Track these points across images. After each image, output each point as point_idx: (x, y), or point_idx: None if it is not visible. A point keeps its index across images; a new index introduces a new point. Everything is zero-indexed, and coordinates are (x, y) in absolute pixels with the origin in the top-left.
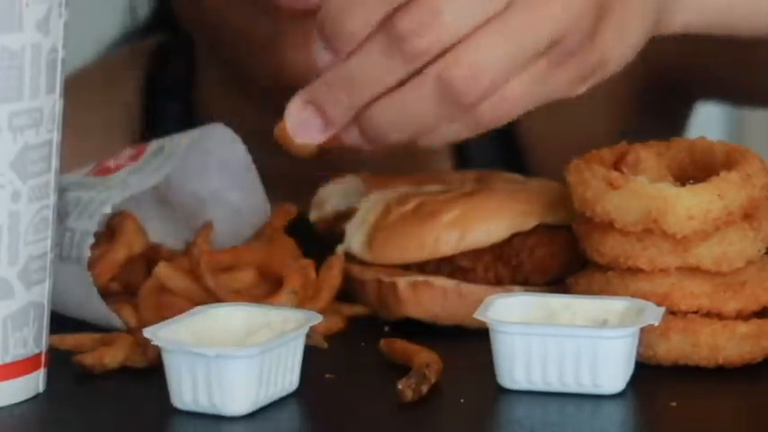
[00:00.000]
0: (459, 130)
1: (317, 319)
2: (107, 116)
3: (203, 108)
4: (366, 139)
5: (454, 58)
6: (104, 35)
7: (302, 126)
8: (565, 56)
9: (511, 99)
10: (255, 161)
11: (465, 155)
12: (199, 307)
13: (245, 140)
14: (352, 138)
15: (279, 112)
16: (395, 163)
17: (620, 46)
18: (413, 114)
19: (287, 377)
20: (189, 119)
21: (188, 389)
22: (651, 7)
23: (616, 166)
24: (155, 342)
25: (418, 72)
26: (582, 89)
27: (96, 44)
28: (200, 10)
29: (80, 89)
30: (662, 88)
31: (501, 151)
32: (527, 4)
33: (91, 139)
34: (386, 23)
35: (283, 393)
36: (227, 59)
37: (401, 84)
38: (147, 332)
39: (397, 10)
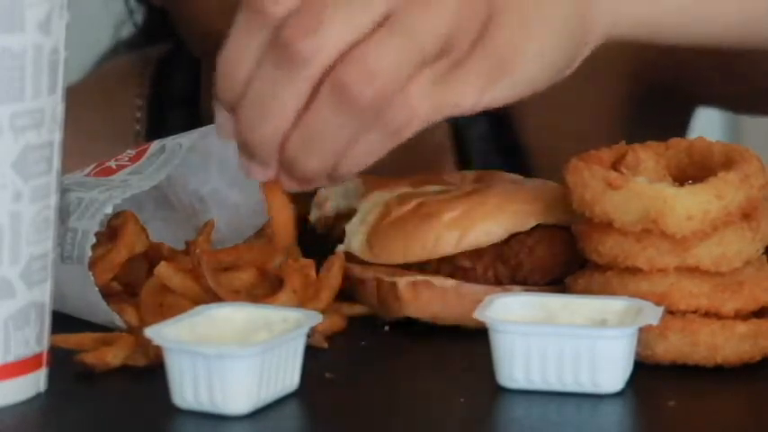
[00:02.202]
0: (375, 143)
1: (317, 318)
2: (111, 125)
3: (208, 120)
4: (294, 179)
5: (344, 64)
6: (99, 44)
7: (248, 171)
8: (459, 57)
9: (414, 103)
10: None
11: (464, 158)
12: (200, 306)
13: None
14: (286, 184)
15: None
16: (396, 165)
17: (523, 47)
18: (321, 133)
19: (287, 376)
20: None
21: (189, 388)
22: (566, 13)
23: (615, 166)
24: (156, 341)
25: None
26: (492, 97)
27: (92, 53)
28: (200, 32)
29: (84, 98)
30: (659, 95)
31: (500, 155)
32: (411, 7)
33: (95, 150)
34: (273, 41)
35: (284, 393)
36: None
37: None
38: (149, 331)
39: (279, 24)
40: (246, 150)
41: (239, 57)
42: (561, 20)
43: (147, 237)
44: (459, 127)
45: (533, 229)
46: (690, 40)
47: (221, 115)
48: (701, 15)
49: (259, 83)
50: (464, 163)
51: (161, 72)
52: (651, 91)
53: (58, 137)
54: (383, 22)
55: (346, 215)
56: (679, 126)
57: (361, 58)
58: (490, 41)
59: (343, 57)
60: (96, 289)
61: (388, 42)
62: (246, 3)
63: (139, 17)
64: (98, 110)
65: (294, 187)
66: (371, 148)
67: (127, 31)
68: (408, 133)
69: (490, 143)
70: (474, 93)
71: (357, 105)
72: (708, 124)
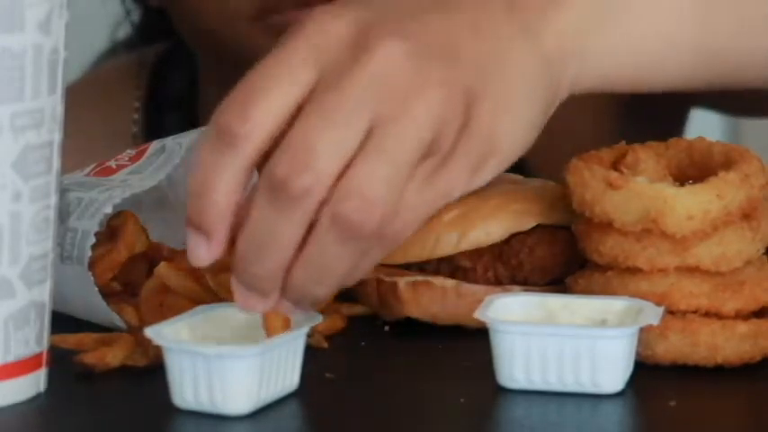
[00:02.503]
0: (377, 256)
1: (317, 318)
2: (108, 126)
3: (206, 120)
4: (301, 306)
5: (340, 194)
6: (95, 45)
7: (246, 302)
8: (445, 152)
9: (408, 211)
10: None
11: None
12: (200, 307)
13: None
14: (287, 309)
15: None
16: None
17: (506, 126)
18: (327, 264)
19: (287, 377)
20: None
21: (189, 388)
22: (537, 77)
23: (615, 166)
24: (156, 341)
25: (313, 222)
26: (482, 179)
27: (88, 54)
28: (196, 29)
29: (82, 98)
30: (649, 105)
31: None
32: (390, 117)
33: (92, 150)
34: (264, 177)
35: (284, 393)
36: (230, 79)
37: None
38: (149, 331)
39: (270, 161)
40: (245, 282)
41: (213, 180)
42: (536, 89)
43: (147, 237)
44: None
45: (533, 229)
46: (655, 87)
47: (194, 240)
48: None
49: (254, 221)
50: None
51: (157, 72)
52: (645, 97)
53: (57, 137)
54: (367, 138)
55: None
56: (675, 125)
57: (357, 187)
58: (474, 131)
59: (338, 186)
60: (96, 289)
61: (377, 163)
62: (213, 121)
63: (136, 17)
64: (95, 110)
65: (297, 313)
66: (374, 261)
67: (124, 31)
68: (407, 236)
69: None
70: (464, 180)
71: (361, 235)
72: (708, 124)
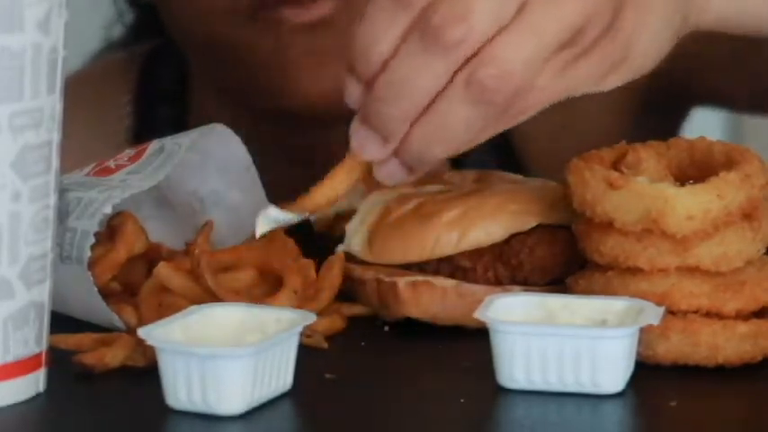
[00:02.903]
0: (496, 130)
1: (310, 318)
2: (101, 124)
3: (197, 115)
4: (412, 163)
5: (482, 59)
6: (88, 45)
7: (362, 145)
8: (586, 46)
9: (537, 92)
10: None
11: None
12: (193, 306)
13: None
14: (392, 169)
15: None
16: None
17: (643, 39)
18: (450, 124)
19: (281, 377)
20: (183, 123)
21: (182, 388)
22: (675, 2)
23: (616, 166)
24: (149, 342)
25: (449, 82)
26: (607, 84)
27: (81, 54)
28: (186, 26)
29: (74, 96)
30: (661, 90)
31: (497, 154)
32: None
33: (84, 147)
34: (418, 23)
35: (278, 393)
36: (224, 77)
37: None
38: (142, 332)
39: (427, 9)
40: (372, 122)
41: (380, 34)
42: (673, 14)
43: (147, 237)
44: None
45: (533, 229)
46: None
47: (352, 84)
48: None
49: (399, 62)
50: (461, 165)
51: (147, 68)
52: (656, 87)
53: (56, 136)
54: (521, 12)
55: (346, 215)
56: (678, 120)
57: (500, 56)
58: (616, 34)
59: (482, 50)
60: (95, 289)
61: (525, 38)
62: (425, 17)
63: (129, 17)
64: (88, 108)
65: (399, 174)
66: (491, 133)
67: (117, 31)
68: (526, 118)
69: (486, 146)
70: (594, 80)
71: (491, 101)
72: (708, 124)
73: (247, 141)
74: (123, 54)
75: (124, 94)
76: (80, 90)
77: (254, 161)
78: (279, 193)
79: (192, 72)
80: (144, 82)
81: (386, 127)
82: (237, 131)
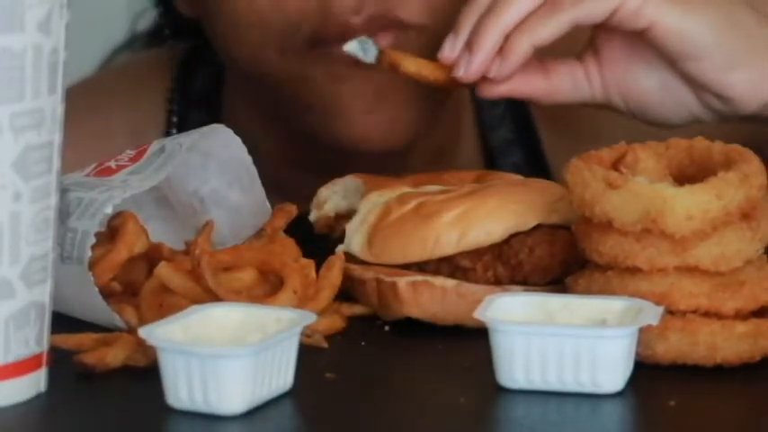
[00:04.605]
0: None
1: (310, 318)
2: (132, 120)
3: (228, 120)
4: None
5: None
6: (109, 40)
7: (452, 46)
8: None
9: None
10: (269, 176)
11: (493, 157)
12: (193, 306)
13: (266, 158)
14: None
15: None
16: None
17: None
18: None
19: (282, 376)
20: None
21: (183, 388)
22: None
23: (615, 166)
24: (150, 341)
25: None
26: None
27: (101, 49)
28: (240, 57)
29: (106, 92)
30: None
31: (523, 153)
32: None
33: (114, 143)
34: None
35: (278, 393)
36: (267, 100)
37: None
38: (143, 331)
39: None
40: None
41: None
42: None
43: (147, 237)
44: (491, 150)
45: (533, 229)
46: None
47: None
48: None
49: None
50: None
51: (184, 71)
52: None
53: (57, 137)
54: None
55: (346, 215)
56: None
57: None
58: None
59: None
60: (96, 289)
61: None
62: None
63: (147, 19)
64: (124, 105)
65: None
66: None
67: (143, 24)
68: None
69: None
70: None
71: None
72: (708, 123)
73: (275, 150)
74: (157, 55)
75: (158, 95)
76: (112, 88)
77: (277, 167)
78: (296, 197)
79: (228, 84)
80: (180, 83)
81: (479, 40)
82: (266, 140)
